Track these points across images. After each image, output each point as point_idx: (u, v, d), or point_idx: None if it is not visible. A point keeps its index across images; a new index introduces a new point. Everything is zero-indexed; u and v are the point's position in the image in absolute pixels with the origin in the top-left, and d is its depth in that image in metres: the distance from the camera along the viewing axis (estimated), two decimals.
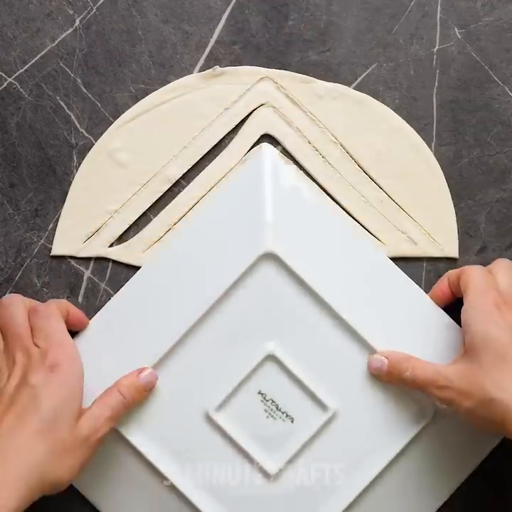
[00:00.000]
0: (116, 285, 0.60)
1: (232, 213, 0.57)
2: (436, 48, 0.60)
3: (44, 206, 0.60)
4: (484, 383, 0.50)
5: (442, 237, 0.60)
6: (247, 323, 0.56)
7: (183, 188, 0.60)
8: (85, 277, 0.60)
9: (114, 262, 0.60)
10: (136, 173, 0.60)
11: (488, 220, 0.60)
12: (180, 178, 0.60)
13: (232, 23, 0.60)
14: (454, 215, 0.60)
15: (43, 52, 0.60)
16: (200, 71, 0.60)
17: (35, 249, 0.60)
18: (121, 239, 0.60)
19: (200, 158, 0.60)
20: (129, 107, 0.60)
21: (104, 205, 0.60)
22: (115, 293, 0.59)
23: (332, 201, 0.59)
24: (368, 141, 0.60)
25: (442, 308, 0.57)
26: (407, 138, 0.60)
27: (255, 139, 0.60)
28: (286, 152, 0.60)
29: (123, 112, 0.60)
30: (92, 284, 0.60)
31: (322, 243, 0.57)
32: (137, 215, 0.60)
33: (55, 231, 0.60)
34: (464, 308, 0.53)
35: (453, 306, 0.56)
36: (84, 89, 0.60)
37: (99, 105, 0.60)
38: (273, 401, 0.56)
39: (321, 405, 0.56)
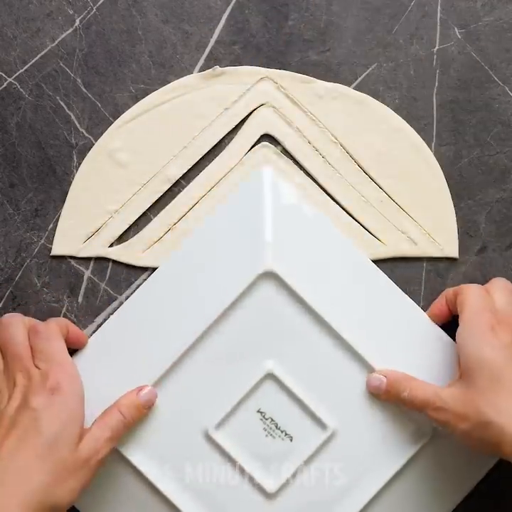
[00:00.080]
0: (116, 285, 0.60)
1: (232, 232, 0.58)
2: (436, 47, 0.60)
3: (44, 206, 0.60)
4: (480, 406, 0.50)
5: (442, 237, 0.60)
6: (247, 341, 0.56)
7: (183, 188, 0.60)
8: (85, 277, 0.60)
9: (114, 262, 0.60)
10: (136, 173, 0.60)
11: (488, 220, 0.60)
12: (180, 178, 0.60)
13: (232, 23, 0.60)
14: (454, 215, 0.60)
15: (43, 52, 0.60)
16: (200, 71, 0.60)
17: (35, 249, 0.60)
18: (121, 239, 0.60)
19: (200, 158, 0.60)
20: (129, 107, 0.60)
21: (104, 205, 0.60)
22: (115, 293, 0.59)
23: (330, 220, 0.59)
24: (368, 141, 0.60)
25: (440, 326, 0.58)
26: (407, 138, 0.60)
27: (255, 139, 0.60)
28: (286, 152, 0.60)
29: (123, 112, 0.60)
30: (92, 284, 0.60)
31: (322, 262, 0.57)
32: (137, 215, 0.60)
33: (55, 231, 0.60)
34: (458, 330, 0.53)
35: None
36: (84, 89, 0.60)
37: (99, 105, 0.60)
38: (272, 419, 0.56)
39: (320, 424, 0.56)
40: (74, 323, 0.59)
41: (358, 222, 0.60)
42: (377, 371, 0.55)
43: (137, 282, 0.60)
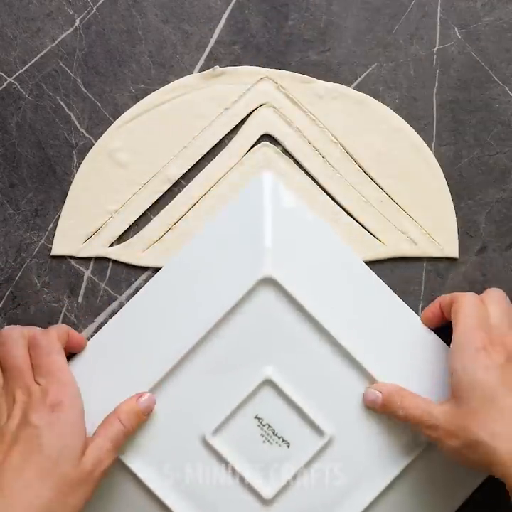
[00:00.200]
0: (117, 285, 0.60)
1: (232, 238, 0.58)
2: (436, 47, 0.60)
3: (44, 206, 0.60)
4: (471, 425, 0.49)
5: (442, 237, 0.60)
6: (245, 347, 0.56)
7: (183, 188, 0.60)
8: (85, 277, 0.60)
9: (114, 261, 0.60)
10: (136, 173, 0.60)
11: (488, 220, 0.60)
12: (180, 178, 0.60)
13: (232, 23, 0.60)
14: (454, 215, 0.60)
15: (43, 52, 0.60)
16: (200, 71, 0.60)
17: (35, 249, 0.60)
18: (121, 239, 0.60)
19: (200, 158, 0.60)
20: (129, 107, 0.60)
21: (104, 205, 0.60)
22: (115, 293, 0.59)
23: (330, 226, 0.59)
24: (368, 141, 0.60)
25: (437, 330, 0.57)
26: (407, 138, 0.60)
27: (255, 139, 0.60)
28: (286, 152, 0.60)
29: (123, 112, 0.60)
30: (92, 284, 0.60)
31: (322, 268, 0.57)
32: (137, 215, 0.60)
33: (55, 231, 0.60)
34: (451, 348, 0.53)
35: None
36: (84, 89, 0.60)
37: (99, 105, 0.60)
38: (269, 426, 0.56)
39: (318, 431, 0.56)
40: (74, 323, 0.59)
41: (358, 223, 0.60)
42: (373, 386, 0.55)
43: (137, 282, 0.60)
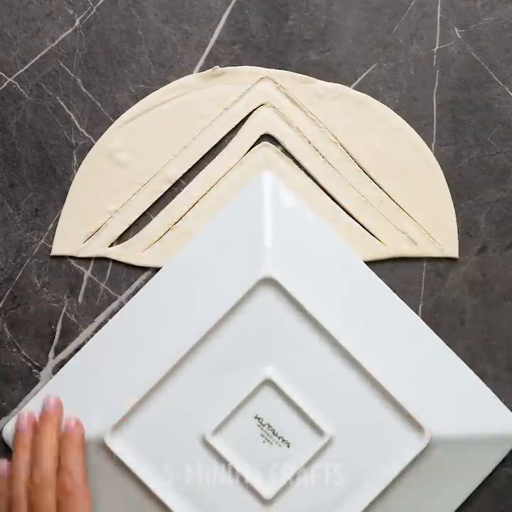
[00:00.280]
0: (117, 285, 0.60)
1: (232, 238, 0.58)
2: (436, 47, 0.60)
3: (44, 206, 0.60)
4: None
5: (442, 237, 0.60)
6: (245, 347, 0.56)
7: (183, 188, 0.60)
8: (85, 277, 0.60)
9: (114, 261, 0.60)
10: (136, 173, 0.60)
11: (488, 220, 0.60)
12: (180, 178, 0.60)
13: (232, 23, 0.60)
14: (454, 215, 0.60)
15: (43, 52, 0.60)
16: (200, 71, 0.60)
17: (35, 249, 0.60)
18: (121, 239, 0.60)
19: (200, 158, 0.60)
20: (129, 107, 0.60)
21: (104, 205, 0.60)
22: (115, 293, 0.59)
23: (330, 226, 0.59)
24: (368, 141, 0.60)
25: (434, 331, 0.58)
26: (407, 138, 0.60)
27: (255, 139, 0.60)
28: (286, 152, 0.60)
29: (123, 112, 0.60)
30: (92, 284, 0.60)
31: (321, 268, 0.57)
32: (137, 215, 0.60)
33: (55, 231, 0.60)
34: None
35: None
36: (84, 89, 0.60)
37: (99, 105, 0.60)
38: (269, 426, 0.56)
39: (318, 430, 0.56)
40: (74, 323, 0.59)
41: (358, 223, 0.60)
42: None
43: (137, 282, 0.60)
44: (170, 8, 0.60)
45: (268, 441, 0.56)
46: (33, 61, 0.60)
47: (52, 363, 0.59)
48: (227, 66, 0.60)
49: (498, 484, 0.58)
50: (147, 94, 0.60)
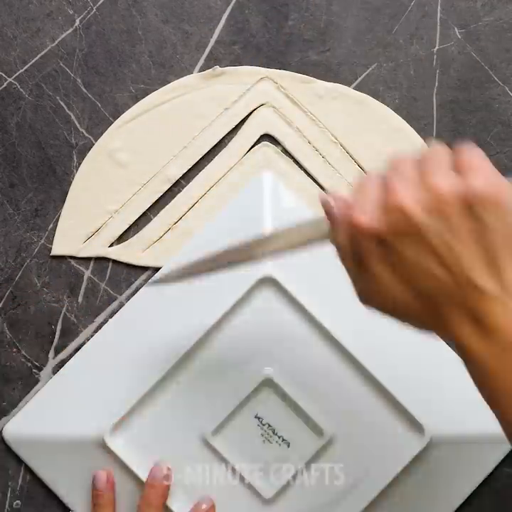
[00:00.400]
0: (116, 285, 0.60)
1: (232, 237, 0.57)
2: (436, 47, 0.60)
3: (44, 206, 0.60)
4: None
5: None
6: (245, 347, 0.56)
7: (183, 188, 0.60)
8: (85, 277, 0.60)
9: (114, 261, 0.60)
10: (136, 173, 0.60)
11: None
12: (180, 178, 0.60)
13: (232, 23, 0.60)
14: None
15: (43, 52, 0.60)
16: (200, 71, 0.60)
17: (35, 249, 0.60)
18: (121, 239, 0.60)
19: (200, 158, 0.60)
20: (129, 107, 0.60)
21: (104, 205, 0.60)
22: (115, 293, 0.59)
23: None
24: (368, 141, 0.60)
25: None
26: (407, 138, 0.60)
27: (255, 139, 0.60)
28: (286, 152, 0.60)
29: (123, 112, 0.60)
30: (92, 284, 0.60)
31: (322, 269, 0.57)
32: (137, 215, 0.60)
33: (55, 231, 0.60)
34: None
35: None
36: (84, 89, 0.60)
37: (99, 105, 0.60)
38: (269, 425, 0.57)
39: (318, 430, 0.56)
40: (74, 323, 0.59)
41: None
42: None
43: (137, 282, 0.60)
44: (170, 8, 0.60)
45: (268, 440, 0.57)
46: (33, 61, 0.60)
47: (52, 363, 0.59)
48: (227, 66, 0.60)
49: (498, 484, 0.58)
50: (147, 94, 0.60)
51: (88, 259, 0.60)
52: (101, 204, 0.60)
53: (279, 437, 0.57)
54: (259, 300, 0.57)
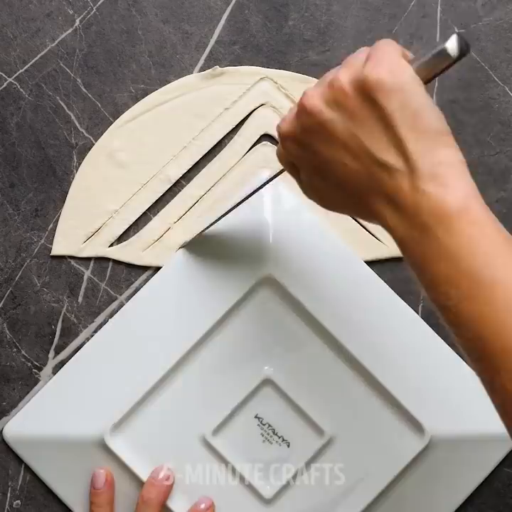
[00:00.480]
0: (116, 285, 0.60)
1: (232, 237, 0.58)
2: None
3: (44, 206, 0.60)
4: None
5: None
6: (245, 347, 0.57)
7: (183, 188, 0.60)
8: (85, 277, 0.60)
9: (114, 261, 0.60)
10: (136, 173, 0.60)
11: None
12: (180, 178, 0.60)
13: (232, 23, 0.60)
14: None
15: (43, 52, 0.60)
16: (200, 71, 0.60)
17: (35, 249, 0.60)
18: (121, 239, 0.60)
19: (200, 158, 0.60)
20: (129, 107, 0.60)
21: (104, 205, 0.60)
22: (115, 293, 0.59)
23: (330, 225, 0.59)
24: None
25: (435, 330, 0.58)
26: None
27: (255, 139, 0.60)
28: None
29: (123, 112, 0.60)
30: (92, 284, 0.60)
31: (322, 269, 0.57)
32: (137, 215, 0.60)
33: (55, 231, 0.60)
34: None
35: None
36: (84, 89, 0.60)
37: (99, 105, 0.60)
38: (269, 425, 0.57)
39: (318, 430, 0.56)
40: (74, 323, 0.59)
41: (358, 223, 0.59)
42: None
43: (137, 282, 0.60)
44: (170, 8, 0.60)
45: (268, 440, 0.57)
46: (33, 61, 0.60)
47: (52, 363, 0.59)
48: (227, 66, 0.60)
49: (498, 484, 0.58)
50: (147, 94, 0.60)
51: (88, 259, 0.60)
52: (101, 204, 0.60)
53: (279, 437, 0.57)
54: (259, 300, 0.57)
